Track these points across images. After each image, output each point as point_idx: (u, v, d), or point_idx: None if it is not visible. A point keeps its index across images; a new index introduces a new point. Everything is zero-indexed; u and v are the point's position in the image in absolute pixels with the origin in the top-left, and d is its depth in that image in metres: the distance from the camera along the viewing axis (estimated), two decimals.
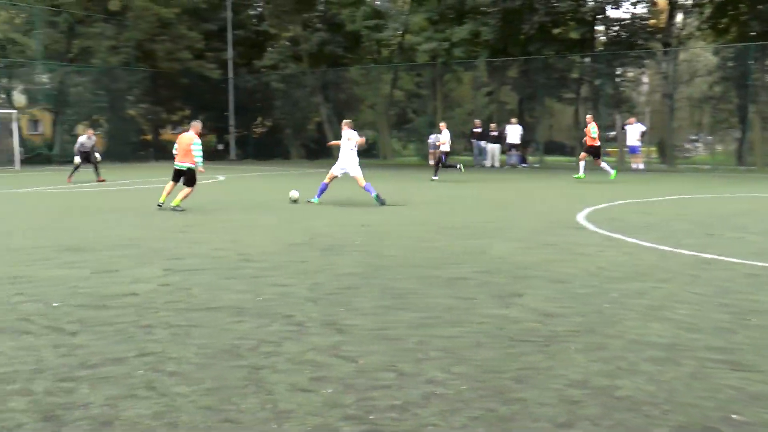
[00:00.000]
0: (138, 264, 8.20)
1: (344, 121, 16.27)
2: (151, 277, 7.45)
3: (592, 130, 21.46)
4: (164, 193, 14.32)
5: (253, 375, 4.44)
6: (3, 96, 38.75)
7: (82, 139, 23.32)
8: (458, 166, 22.89)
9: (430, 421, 3.76)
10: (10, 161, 33.29)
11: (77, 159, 22.89)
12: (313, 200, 15.41)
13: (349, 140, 15.61)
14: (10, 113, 34.37)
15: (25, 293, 6.69)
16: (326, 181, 15.65)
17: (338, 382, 4.32)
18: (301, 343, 5.11)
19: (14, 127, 33.61)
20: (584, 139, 22.08)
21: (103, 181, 22.62)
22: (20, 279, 7.35)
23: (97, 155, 23.47)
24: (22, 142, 36.23)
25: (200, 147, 14.10)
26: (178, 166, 14.19)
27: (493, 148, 31.96)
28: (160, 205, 14.05)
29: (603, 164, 21.98)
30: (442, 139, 22.40)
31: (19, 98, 40.04)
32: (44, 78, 37.83)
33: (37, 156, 35.89)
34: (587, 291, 6.70)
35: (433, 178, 22.58)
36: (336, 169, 15.64)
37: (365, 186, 15.25)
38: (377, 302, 6.28)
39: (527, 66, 34.31)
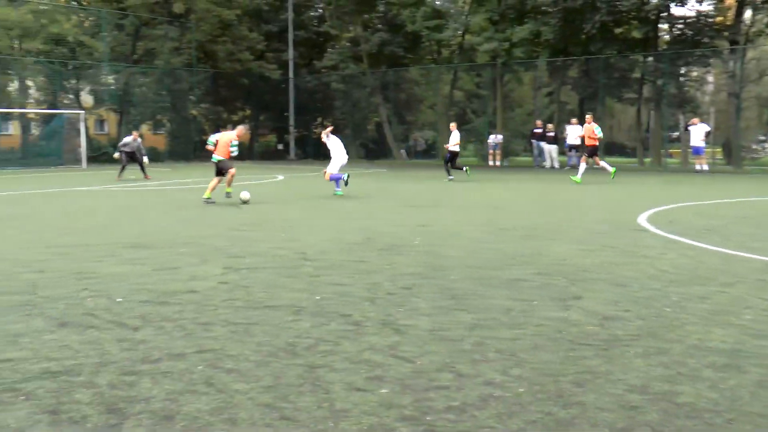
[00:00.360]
0: (198, 262, 8.32)
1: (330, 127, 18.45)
2: (210, 274, 7.55)
3: (596, 129, 21.34)
4: (209, 189, 15.59)
5: (310, 373, 4.46)
6: (71, 97, 39.81)
7: (127, 139, 24.41)
8: (465, 168, 23.36)
9: (488, 423, 3.72)
10: (77, 160, 34.17)
11: (116, 154, 24.19)
12: (337, 192, 17.16)
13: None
14: (78, 113, 35.30)
15: (90, 288, 6.85)
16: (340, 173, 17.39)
17: (395, 382, 4.31)
18: (358, 342, 5.12)
19: (82, 126, 34.49)
20: (579, 136, 21.81)
21: (148, 178, 23.54)
22: (86, 275, 7.53)
23: (144, 157, 24.48)
24: (89, 141, 37.14)
25: (237, 147, 15.91)
26: (215, 159, 15.92)
27: (550, 149, 31.59)
28: (207, 200, 15.24)
29: (602, 163, 21.79)
30: (453, 141, 22.87)
31: (86, 99, 41.09)
32: (110, 79, 38.74)
33: (102, 155, 36.71)
34: (648, 294, 6.57)
35: (449, 178, 23.04)
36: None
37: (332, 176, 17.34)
38: (435, 303, 6.27)
39: (588, 66, 33.88)
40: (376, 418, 3.78)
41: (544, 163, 31.84)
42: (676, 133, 37.72)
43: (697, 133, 27.56)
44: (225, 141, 15.89)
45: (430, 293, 6.63)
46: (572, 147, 30.94)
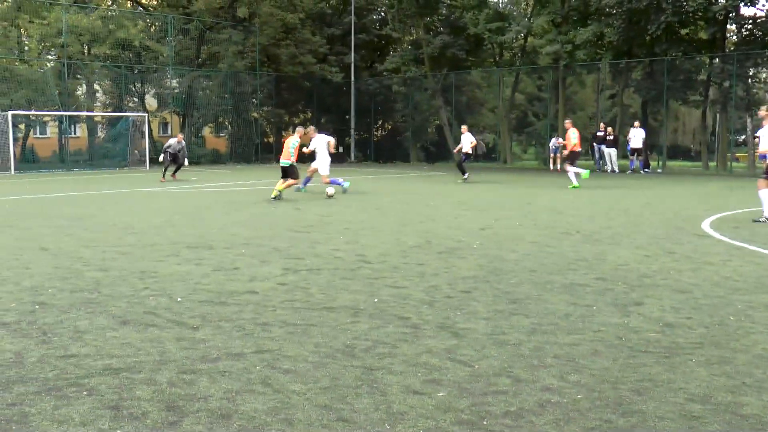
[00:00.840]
0: (258, 263, 8.41)
1: (311, 127, 19.90)
2: (269, 275, 7.62)
3: (573, 136, 21.24)
4: (275, 189, 16.69)
5: (367, 375, 4.46)
6: (136, 100, 40.69)
7: (171, 141, 25.42)
8: (465, 174, 23.56)
9: (545, 429, 3.68)
10: (141, 161, 34.89)
11: (162, 157, 25.00)
12: (301, 188, 18.71)
13: (329, 143, 18.97)
14: (143, 116, 36.08)
15: (151, 287, 6.98)
16: (308, 175, 19.25)
17: (452, 385, 4.29)
18: (416, 345, 5.11)
19: (146, 129, 35.23)
20: (557, 143, 21.77)
21: (163, 180, 24.23)
22: (147, 274, 7.68)
23: (185, 159, 25.56)
24: (153, 143, 37.89)
25: (294, 146, 17.15)
26: (282, 163, 17.14)
27: (610, 152, 31.06)
28: (274, 198, 16.33)
29: (572, 169, 21.35)
30: (469, 141, 23.22)
31: (150, 102, 41.95)
32: (174, 82, 39.44)
33: None
34: (711, 302, 6.41)
35: (464, 177, 23.35)
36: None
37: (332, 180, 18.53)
38: (494, 306, 6.22)
39: (652, 68, 33.25)
40: (433, 421, 3.77)
41: (606, 167, 31.34)
42: (743, 137, 36.77)
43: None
44: (287, 145, 17.17)
45: (489, 297, 6.58)
46: (634, 150, 30.40)
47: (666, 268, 8.05)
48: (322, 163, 18.85)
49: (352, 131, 43.84)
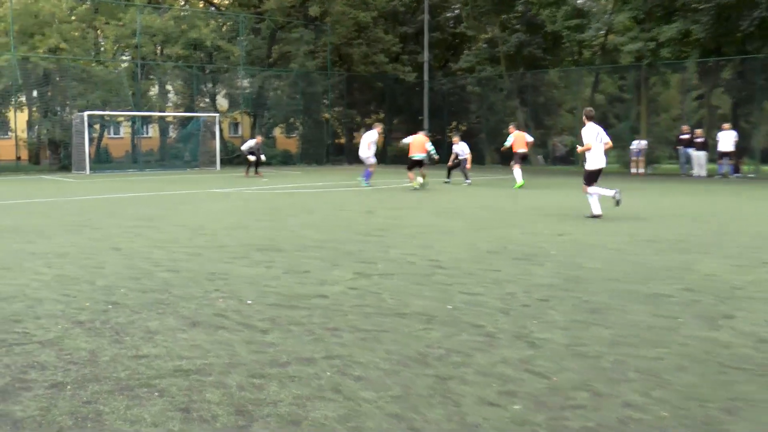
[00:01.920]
0: (329, 266, 8.46)
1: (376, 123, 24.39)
2: (340, 279, 7.66)
3: (528, 136, 24.28)
4: (413, 182, 19.68)
5: (440, 385, 4.44)
6: (207, 100, 41.49)
7: (250, 142, 28.57)
8: (447, 181, 25.45)
9: None
10: (211, 162, 35.55)
11: (251, 157, 27.97)
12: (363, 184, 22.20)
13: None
14: (214, 116, 36.76)
15: (221, 290, 7.09)
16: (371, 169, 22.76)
17: (529, 398, 4.23)
18: (490, 354, 5.06)
19: (216, 129, 35.88)
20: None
21: (247, 176, 27.52)
22: (217, 276, 7.80)
23: (262, 156, 29.21)
24: (223, 143, 38.55)
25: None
26: (417, 157, 21.38)
27: (699, 156, 30.25)
28: (417, 188, 19.18)
29: (519, 172, 23.24)
30: (461, 151, 25.31)
31: (221, 102, 42.72)
32: (245, 82, 40.06)
33: (236, 157, 38.08)
34: None
35: (466, 181, 24.50)
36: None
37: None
38: (572, 316, 6.12)
39: (744, 66, 32.30)
40: None
41: (692, 171, 30.57)
42: None
43: None
44: (420, 143, 21.85)
45: (567, 306, 6.48)
46: (723, 154, 29.50)
47: (760, 279, 7.79)
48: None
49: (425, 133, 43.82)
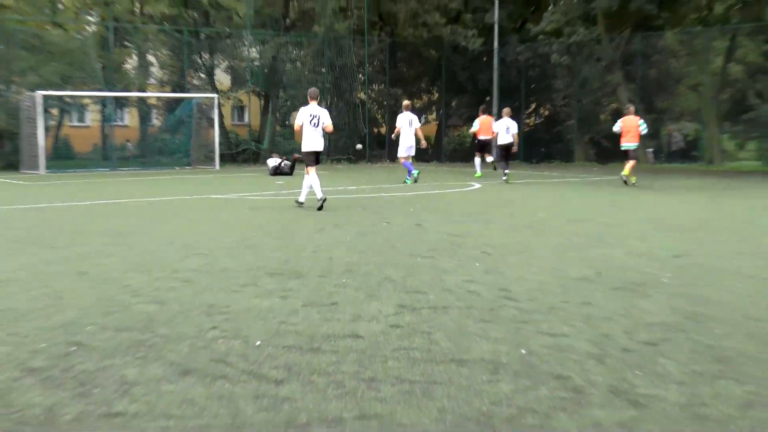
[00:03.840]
0: (363, 297, 8.52)
1: (405, 103, 27.20)
2: (379, 314, 7.72)
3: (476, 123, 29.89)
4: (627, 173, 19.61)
5: None
6: (203, 76, 41.56)
7: (273, 161, 30.28)
8: (489, 162, 30.16)
9: None
10: (208, 158, 35.74)
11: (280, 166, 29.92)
12: (406, 180, 25.49)
13: (411, 124, 25.76)
14: (211, 97, 36.89)
15: (222, 327, 7.19)
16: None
17: None
18: (579, 416, 5.09)
19: (215, 114, 36.09)
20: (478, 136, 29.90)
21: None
22: (217, 309, 7.91)
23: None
24: (225, 134, 38.76)
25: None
26: (630, 146, 23.47)
27: None
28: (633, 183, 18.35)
29: (479, 162, 29.63)
30: (500, 130, 28.52)
31: (221, 78, 42.93)
32: (253, 52, 40.17)
33: (242, 152, 38.24)
34: None
35: (506, 171, 27.39)
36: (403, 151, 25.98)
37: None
38: (691, 366, 6.12)
39: None
40: None
41: None
42: None
43: None
44: (633, 123, 24.49)
45: (685, 353, 6.48)
46: None
47: None
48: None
49: (494, 118, 43.83)
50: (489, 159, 30.47)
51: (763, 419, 5.09)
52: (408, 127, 25.76)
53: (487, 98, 43.52)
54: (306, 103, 17.74)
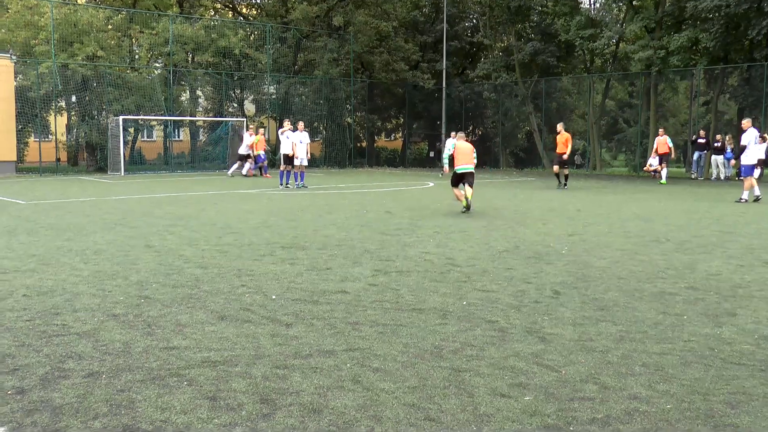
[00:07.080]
0: (349, 263, 8.49)
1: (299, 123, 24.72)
2: (361, 276, 7.69)
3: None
4: (465, 199, 14.67)
5: (455, 377, 4.46)
6: (235, 105, 41.64)
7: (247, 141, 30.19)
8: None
9: None
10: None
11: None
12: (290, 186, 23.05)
13: (302, 142, 23.14)
14: (241, 120, 36.91)
15: (248, 285, 7.13)
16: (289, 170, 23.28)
17: (539, 390, 4.24)
18: (503, 348, 5.07)
19: (244, 133, 35.98)
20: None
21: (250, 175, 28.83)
22: (244, 272, 7.85)
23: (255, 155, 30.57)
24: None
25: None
26: (465, 169, 14.86)
27: (716, 159, 29.86)
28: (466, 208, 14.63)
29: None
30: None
31: (249, 107, 42.85)
32: (271, 89, 40.17)
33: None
34: None
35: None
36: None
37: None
38: (581, 312, 6.12)
39: (750, 73, 32.00)
40: (519, 424, 3.74)
41: (713, 174, 29.98)
42: None
43: None
44: (467, 150, 15.44)
45: (577, 303, 6.48)
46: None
47: (762, 278, 7.75)
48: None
49: (443, 137, 43.76)
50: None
51: (631, 348, 5.09)
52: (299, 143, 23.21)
53: (438, 122, 43.53)
54: (295, 129, 20.86)
